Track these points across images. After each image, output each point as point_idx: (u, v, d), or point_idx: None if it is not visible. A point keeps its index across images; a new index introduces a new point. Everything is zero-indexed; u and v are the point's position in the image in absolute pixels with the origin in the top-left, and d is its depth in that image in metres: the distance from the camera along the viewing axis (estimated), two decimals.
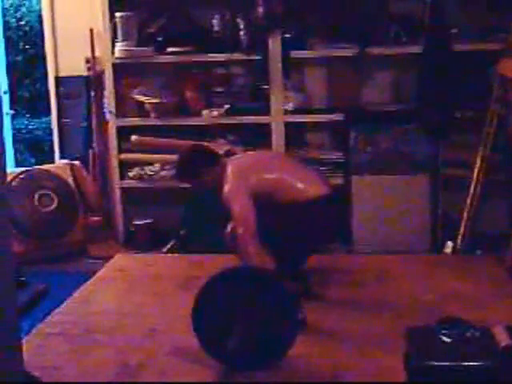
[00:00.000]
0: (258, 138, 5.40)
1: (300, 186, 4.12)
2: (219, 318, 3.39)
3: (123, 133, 5.57)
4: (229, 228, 4.28)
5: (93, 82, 5.74)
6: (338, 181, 5.30)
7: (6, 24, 7.63)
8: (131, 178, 5.59)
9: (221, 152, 4.56)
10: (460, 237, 5.01)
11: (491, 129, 4.99)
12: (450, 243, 5.06)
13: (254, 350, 3.37)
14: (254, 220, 3.95)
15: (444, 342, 3.10)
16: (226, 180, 4.08)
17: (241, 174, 4.11)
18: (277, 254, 3.94)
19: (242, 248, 3.97)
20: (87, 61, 5.74)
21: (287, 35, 5.35)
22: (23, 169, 5.68)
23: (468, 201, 5.00)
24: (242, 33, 5.32)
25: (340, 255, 5.17)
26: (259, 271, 3.65)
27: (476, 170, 5.00)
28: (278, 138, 5.38)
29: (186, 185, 4.51)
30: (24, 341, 3.28)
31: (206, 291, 3.44)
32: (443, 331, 3.17)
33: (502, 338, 3.08)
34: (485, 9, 5.19)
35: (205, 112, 5.48)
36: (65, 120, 5.91)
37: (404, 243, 5.12)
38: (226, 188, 4.05)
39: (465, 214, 5.00)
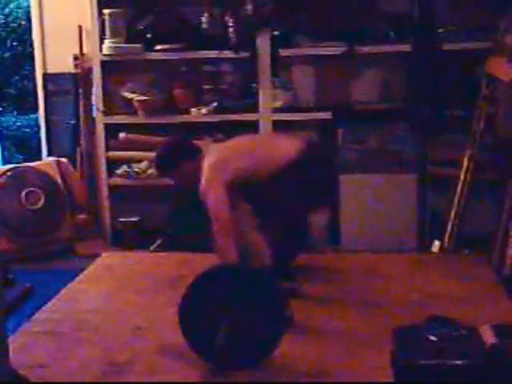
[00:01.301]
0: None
1: (273, 157, 4.15)
2: (206, 317, 3.38)
3: (111, 130, 5.55)
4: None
5: (81, 79, 5.72)
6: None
7: None
8: (119, 176, 5.57)
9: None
10: (447, 236, 5.02)
11: (479, 128, 5.00)
12: (437, 242, 5.07)
13: (241, 349, 3.37)
14: (228, 214, 3.99)
15: (431, 340, 3.11)
16: (202, 174, 4.09)
17: (216, 167, 4.12)
18: (282, 227, 4.08)
19: (217, 243, 4.00)
20: (75, 58, 5.72)
21: (276, 33, 5.35)
22: (10, 166, 5.65)
23: (455, 200, 5.01)
24: (230, 30, 5.31)
25: (327, 253, 5.17)
26: (245, 269, 3.66)
27: (464, 169, 5.01)
28: None
29: (169, 180, 4.53)
30: (10, 339, 3.27)
31: (192, 289, 3.44)
32: (430, 330, 3.18)
33: (489, 337, 3.09)
34: (473, 8, 5.20)
35: (193, 110, 5.47)
36: (52, 117, 5.88)
37: (391, 242, 5.13)
38: (202, 182, 4.07)
39: (452, 213, 5.01)
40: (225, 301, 3.37)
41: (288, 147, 4.21)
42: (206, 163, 4.14)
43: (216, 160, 4.16)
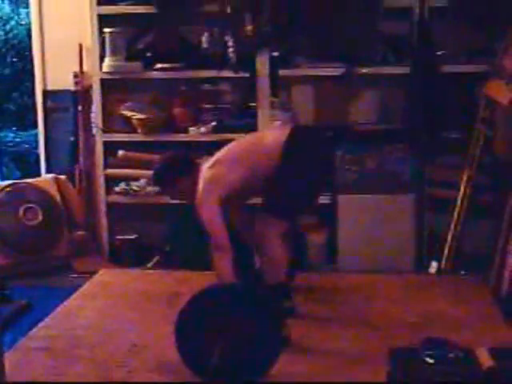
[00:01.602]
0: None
1: (266, 159, 4.20)
2: (202, 335, 3.38)
3: (110, 148, 5.56)
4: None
5: (80, 96, 5.74)
6: (324, 199, 5.31)
7: None
8: (117, 193, 5.58)
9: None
10: (445, 257, 5.03)
11: (477, 150, 5.02)
12: (434, 263, 5.07)
13: (236, 368, 3.36)
14: (221, 231, 4.04)
15: (427, 362, 3.10)
16: (198, 190, 4.11)
17: (210, 182, 4.15)
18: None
19: (213, 261, 4.01)
20: (75, 75, 5.73)
21: (275, 54, 5.37)
22: (9, 182, 5.65)
23: (453, 221, 5.02)
24: (230, 50, 5.33)
25: (325, 273, 5.17)
26: (242, 288, 3.66)
27: (461, 191, 5.03)
28: None
29: (166, 197, 4.54)
30: (6, 355, 3.27)
31: (189, 308, 3.44)
32: (427, 352, 3.18)
33: (485, 360, 3.09)
34: (472, 31, 5.23)
35: (192, 128, 5.48)
36: (52, 134, 5.89)
37: (389, 262, 5.13)
38: (196, 198, 4.08)
39: (450, 235, 5.02)
40: (221, 319, 3.37)
41: (276, 137, 4.26)
42: (201, 178, 4.16)
43: (210, 175, 4.18)
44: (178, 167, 4.33)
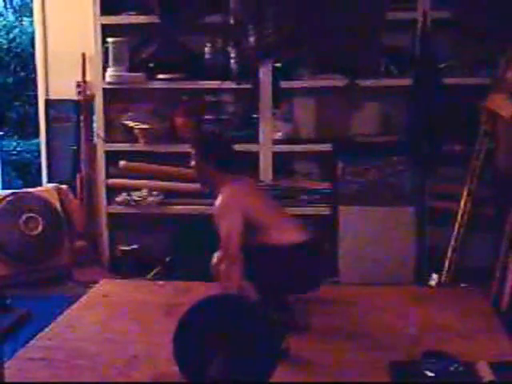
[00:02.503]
0: (246, 166, 5.40)
1: (284, 228, 4.16)
2: (200, 345, 3.37)
3: (111, 158, 5.57)
4: (215, 258, 4.28)
5: (83, 106, 5.75)
6: (325, 211, 5.31)
7: None
8: (118, 204, 5.58)
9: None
10: (445, 269, 5.03)
11: (478, 162, 5.03)
12: (435, 276, 5.07)
13: (235, 378, 3.36)
14: (238, 243, 3.98)
15: (427, 376, 3.11)
16: (222, 194, 4.08)
17: (235, 194, 4.15)
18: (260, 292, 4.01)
19: (221, 270, 3.99)
20: (78, 85, 5.74)
21: (277, 65, 5.38)
22: (10, 191, 5.65)
23: (454, 234, 5.02)
24: (232, 61, 5.33)
25: (325, 286, 5.16)
26: (241, 299, 3.65)
27: (462, 203, 5.03)
28: (265, 166, 5.39)
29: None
30: (6, 365, 3.27)
31: (187, 318, 3.44)
32: (427, 365, 3.19)
33: (485, 374, 3.09)
34: (474, 44, 5.24)
35: None
36: (53, 143, 5.90)
37: (389, 275, 5.12)
38: (217, 206, 4.06)
39: (450, 247, 5.02)
40: (219, 330, 3.36)
41: (299, 230, 4.22)
42: (227, 189, 4.14)
43: (237, 190, 4.18)
44: (225, 153, 4.33)
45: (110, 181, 5.59)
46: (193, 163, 4.41)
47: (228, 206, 4.08)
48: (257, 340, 3.37)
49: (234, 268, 3.98)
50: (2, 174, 7.06)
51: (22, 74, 8.04)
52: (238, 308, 3.46)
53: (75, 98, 5.78)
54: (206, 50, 5.47)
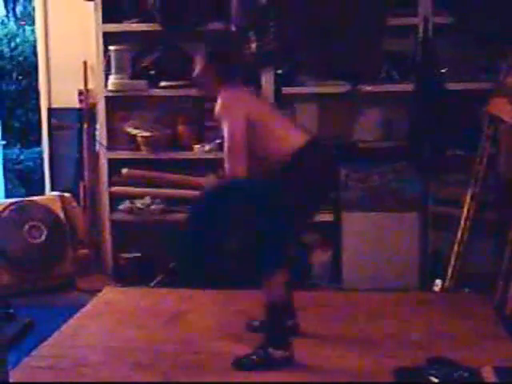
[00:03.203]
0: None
1: (290, 131, 4.10)
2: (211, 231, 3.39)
3: (114, 165, 5.57)
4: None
5: (85, 114, 5.75)
6: (329, 217, 5.31)
7: None
8: (121, 211, 5.58)
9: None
10: (449, 275, 5.02)
11: (481, 167, 5.02)
12: (438, 281, 5.07)
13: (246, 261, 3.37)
14: (243, 138, 3.91)
15: (432, 382, 3.10)
16: (224, 96, 4.05)
17: (240, 96, 4.13)
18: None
19: (228, 160, 3.91)
20: (80, 93, 5.75)
21: (279, 71, 5.39)
22: (13, 200, 5.66)
23: (457, 239, 5.01)
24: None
25: (329, 292, 5.17)
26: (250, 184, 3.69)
27: (466, 209, 5.02)
28: None
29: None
30: (10, 374, 3.26)
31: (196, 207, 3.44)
32: (431, 371, 3.18)
33: (490, 379, 3.08)
34: (475, 48, 5.24)
35: (196, 146, 5.49)
36: (56, 151, 5.90)
37: (393, 280, 5.12)
38: (221, 102, 4.02)
39: (454, 253, 5.01)
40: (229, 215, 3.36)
41: (301, 132, 4.13)
42: (229, 93, 4.08)
43: (239, 93, 4.15)
44: (232, 62, 4.32)
45: (113, 189, 5.59)
46: (197, 70, 4.31)
47: (230, 104, 4.01)
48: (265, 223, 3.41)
49: (240, 155, 3.89)
50: (5, 183, 7.07)
51: (25, 82, 8.05)
52: (246, 192, 3.51)
53: (77, 106, 5.78)
54: None
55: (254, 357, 3.79)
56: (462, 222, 5.01)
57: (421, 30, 5.18)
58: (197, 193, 5.03)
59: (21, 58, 8.16)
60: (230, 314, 4.59)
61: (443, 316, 4.54)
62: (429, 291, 5.09)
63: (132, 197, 5.59)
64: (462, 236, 5.01)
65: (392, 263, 5.14)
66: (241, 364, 3.77)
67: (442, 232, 5.24)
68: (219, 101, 4.04)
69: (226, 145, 3.94)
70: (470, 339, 4.14)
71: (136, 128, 5.56)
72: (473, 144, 5.07)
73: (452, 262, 5.00)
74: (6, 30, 8.37)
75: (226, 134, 3.95)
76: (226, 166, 3.92)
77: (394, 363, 3.66)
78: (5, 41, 8.23)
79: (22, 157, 7.96)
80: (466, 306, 4.73)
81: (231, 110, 4.01)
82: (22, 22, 8.20)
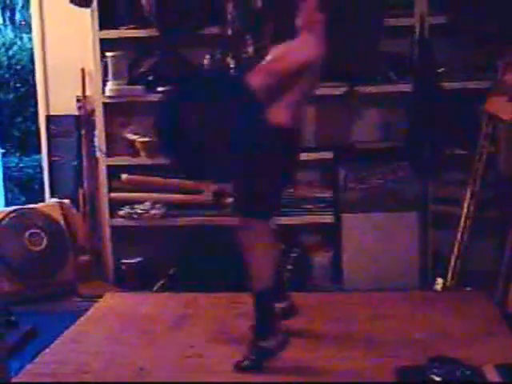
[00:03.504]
0: None
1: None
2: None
3: (113, 171, 5.57)
4: None
5: (83, 120, 5.75)
6: (328, 219, 5.31)
7: None
8: (121, 217, 5.58)
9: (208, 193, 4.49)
10: (450, 274, 5.02)
11: (480, 166, 5.02)
12: (440, 280, 5.07)
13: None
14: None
15: (434, 381, 3.10)
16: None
17: None
18: None
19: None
20: (78, 100, 5.75)
21: None
22: (13, 207, 5.66)
23: (458, 238, 5.01)
24: (232, 72, 5.34)
25: (330, 292, 5.17)
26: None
27: (465, 207, 5.02)
28: None
29: None
30: (13, 381, 3.27)
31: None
32: (433, 370, 3.18)
33: (493, 377, 3.08)
34: (473, 47, 5.25)
35: None
36: (55, 158, 5.91)
37: (394, 280, 5.12)
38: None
39: (455, 251, 5.01)
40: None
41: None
42: None
43: None
44: None
45: (113, 194, 5.59)
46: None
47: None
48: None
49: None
50: (5, 191, 7.07)
51: (23, 90, 8.06)
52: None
53: (75, 113, 5.79)
54: (205, 61, 5.47)
55: (253, 356, 3.79)
56: (462, 221, 5.01)
57: (417, 30, 5.19)
58: (196, 197, 5.06)
59: (18, 67, 8.17)
60: (233, 317, 4.59)
61: (445, 315, 4.54)
62: (430, 290, 5.08)
63: (132, 202, 5.59)
64: (462, 234, 5.01)
65: (393, 263, 5.14)
66: (243, 367, 3.76)
67: (442, 231, 5.24)
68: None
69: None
70: (473, 337, 4.14)
71: (135, 133, 5.57)
72: (471, 143, 5.07)
73: (453, 261, 5.00)
74: (2, 39, 8.38)
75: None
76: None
77: (397, 363, 3.66)
78: (2, 49, 8.24)
79: (21, 164, 7.97)
80: (467, 305, 4.73)
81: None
82: (23, 23, 8.20)
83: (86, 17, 5.47)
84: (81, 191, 5.76)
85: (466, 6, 5.09)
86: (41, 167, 6.20)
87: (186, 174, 3.66)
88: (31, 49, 6.54)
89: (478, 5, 5.06)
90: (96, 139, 5.65)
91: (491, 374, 3.13)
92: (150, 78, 5.53)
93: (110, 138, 5.61)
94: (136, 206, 5.55)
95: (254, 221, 3.82)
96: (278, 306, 4.05)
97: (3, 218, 5.40)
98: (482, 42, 5.20)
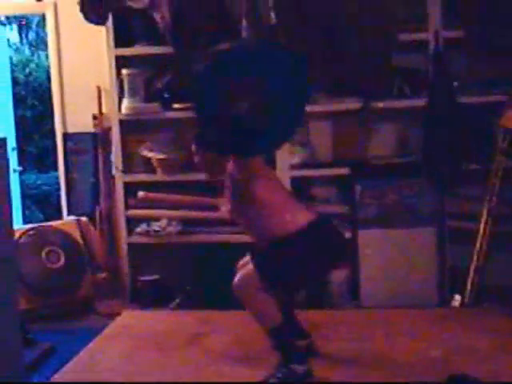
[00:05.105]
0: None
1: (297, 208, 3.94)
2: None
3: (130, 189, 5.59)
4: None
5: (100, 138, 5.79)
6: (345, 235, 5.30)
7: (14, 80, 7.74)
8: (138, 234, 5.59)
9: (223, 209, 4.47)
10: (468, 290, 4.99)
11: (497, 181, 5.00)
12: (457, 296, 5.03)
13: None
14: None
15: None
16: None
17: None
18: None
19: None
20: (94, 117, 5.79)
21: None
22: (31, 225, 5.70)
23: (475, 253, 4.99)
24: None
25: (347, 310, 5.15)
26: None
27: (482, 223, 5.00)
28: None
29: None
30: None
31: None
32: None
33: None
34: (487, 61, 5.24)
35: None
36: (72, 175, 5.94)
37: (411, 297, 5.10)
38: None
39: (472, 267, 4.99)
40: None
41: (306, 211, 3.93)
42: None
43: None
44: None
45: (130, 212, 5.61)
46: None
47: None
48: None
49: None
50: (23, 208, 7.11)
51: (40, 107, 8.11)
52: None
53: (92, 130, 5.83)
54: None
55: (280, 375, 3.77)
56: (480, 236, 4.98)
57: (431, 44, 5.19)
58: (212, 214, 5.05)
59: (35, 84, 8.22)
60: (250, 334, 4.57)
61: (463, 331, 4.50)
62: (448, 307, 5.06)
63: (148, 219, 5.61)
64: (479, 250, 4.98)
65: (410, 279, 5.12)
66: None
67: (460, 247, 5.21)
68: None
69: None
70: (491, 354, 4.10)
71: (151, 151, 5.59)
72: (487, 157, 5.05)
73: (471, 277, 4.97)
74: (20, 57, 8.44)
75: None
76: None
77: (414, 380, 3.63)
78: (20, 67, 8.30)
79: (38, 182, 8.01)
80: (485, 321, 4.68)
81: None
82: (23, 23, 8.25)
83: (102, 34, 5.51)
84: (98, 208, 5.79)
85: (480, 19, 5.09)
86: (58, 184, 6.23)
87: (230, 150, 3.57)
88: (48, 66, 6.60)
89: (492, 18, 5.05)
90: (112, 156, 5.68)
91: None
92: (166, 95, 5.55)
93: (126, 155, 5.64)
94: (153, 223, 5.57)
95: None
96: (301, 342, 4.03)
97: (21, 236, 5.43)
98: (497, 56, 5.19)
